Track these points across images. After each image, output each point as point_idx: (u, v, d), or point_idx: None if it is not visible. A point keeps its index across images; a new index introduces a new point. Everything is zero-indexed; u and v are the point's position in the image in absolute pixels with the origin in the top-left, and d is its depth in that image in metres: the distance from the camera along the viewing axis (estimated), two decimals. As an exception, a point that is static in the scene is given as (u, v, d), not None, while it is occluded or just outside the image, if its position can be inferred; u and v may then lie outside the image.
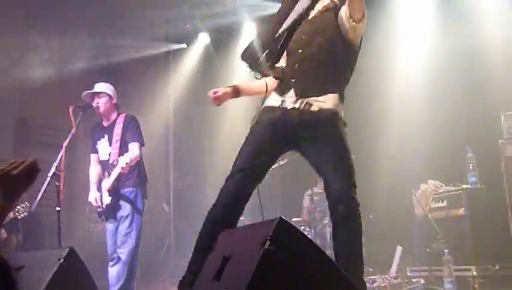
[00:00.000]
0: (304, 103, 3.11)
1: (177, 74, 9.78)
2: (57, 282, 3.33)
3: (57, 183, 4.48)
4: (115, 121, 5.06)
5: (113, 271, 4.88)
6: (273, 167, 6.49)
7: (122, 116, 5.09)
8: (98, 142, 5.12)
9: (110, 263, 4.95)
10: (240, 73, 8.77)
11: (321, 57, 3.15)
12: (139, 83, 9.90)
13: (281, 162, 6.56)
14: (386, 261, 6.23)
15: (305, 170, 7.11)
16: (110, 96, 5.07)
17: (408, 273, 5.96)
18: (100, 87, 5.09)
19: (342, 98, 3.18)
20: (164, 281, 8.22)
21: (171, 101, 9.87)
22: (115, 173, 4.71)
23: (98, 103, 5.00)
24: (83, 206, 8.62)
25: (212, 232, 2.99)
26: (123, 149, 4.90)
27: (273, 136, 3.17)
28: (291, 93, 3.17)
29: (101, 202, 4.93)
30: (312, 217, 6.73)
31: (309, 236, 6.59)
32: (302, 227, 6.69)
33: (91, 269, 7.55)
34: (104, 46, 9.08)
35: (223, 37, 9.10)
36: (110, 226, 4.98)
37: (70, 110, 4.77)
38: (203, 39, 9.44)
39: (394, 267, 6.08)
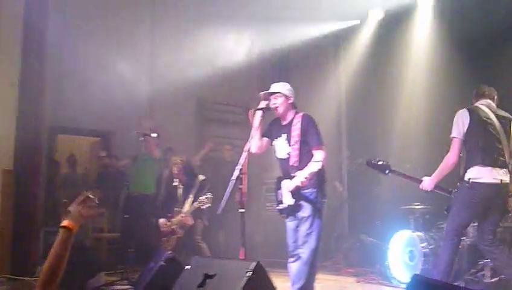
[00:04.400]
0: None
1: (349, 52, 9.58)
2: (246, 294, 3.50)
3: (240, 186, 4.64)
4: (292, 121, 5.08)
5: (294, 268, 4.99)
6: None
7: (300, 115, 5.07)
8: (276, 139, 5.18)
9: (291, 259, 5.06)
10: (415, 49, 8.35)
11: None
12: (311, 63, 9.97)
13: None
14: None
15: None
16: (286, 96, 5.09)
17: None
18: (276, 87, 5.12)
19: None
20: (337, 263, 8.31)
21: (343, 79, 9.75)
22: (298, 179, 4.75)
23: (275, 104, 5.05)
24: (259, 186, 9.06)
25: None
26: (303, 150, 4.93)
27: None
28: None
29: (282, 201, 5.05)
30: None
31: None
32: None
33: (268, 247, 7.96)
34: (274, 29, 9.21)
35: (396, 13, 8.62)
36: (290, 224, 5.07)
37: (251, 113, 4.89)
38: (376, 15, 9.05)
39: None
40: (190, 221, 6.63)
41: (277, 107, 5.05)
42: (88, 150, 10.30)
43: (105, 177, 8.66)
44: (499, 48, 6.91)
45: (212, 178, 7.94)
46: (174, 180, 6.96)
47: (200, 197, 6.43)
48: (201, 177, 6.93)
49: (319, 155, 4.84)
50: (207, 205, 6.34)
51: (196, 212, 6.64)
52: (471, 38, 7.36)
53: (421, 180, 5.41)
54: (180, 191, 6.91)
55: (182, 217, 6.65)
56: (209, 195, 6.35)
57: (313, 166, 4.72)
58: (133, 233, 7.23)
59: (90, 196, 2.57)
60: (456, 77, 7.36)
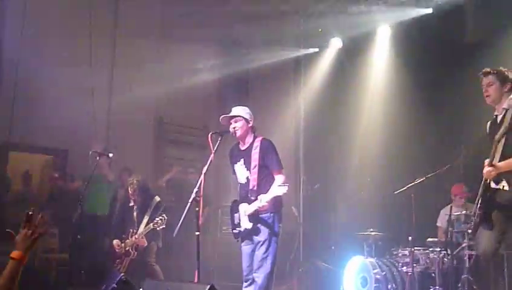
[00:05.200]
0: None
1: (309, 79, 9.76)
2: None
3: (197, 209, 4.62)
4: (252, 145, 5.12)
5: (248, 292, 5.00)
6: (408, 185, 6.31)
7: (259, 140, 5.13)
8: (235, 165, 5.21)
9: (245, 284, 5.07)
10: (373, 78, 8.56)
11: None
12: (270, 88, 10.07)
13: (417, 180, 6.30)
14: None
15: (441, 188, 6.86)
16: (246, 119, 5.14)
17: None
18: (237, 111, 5.17)
19: None
20: (292, 288, 8.31)
21: (302, 105, 9.90)
22: (259, 203, 4.78)
23: (235, 128, 5.09)
24: (216, 209, 9.02)
25: None
26: (262, 174, 4.97)
27: None
28: None
29: (239, 224, 5.05)
30: (449, 239, 6.41)
31: (445, 259, 6.29)
32: (438, 249, 6.37)
33: (223, 270, 7.90)
34: (235, 53, 9.28)
35: (356, 42, 8.86)
36: (246, 248, 5.08)
37: (209, 136, 4.89)
38: (336, 44, 9.27)
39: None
40: (144, 242, 6.52)
41: (237, 130, 5.09)
42: (40, 168, 10.02)
43: (58, 197, 8.45)
44: (452, 76, 7.16)
45: (175, 201, 7.89)
46: (130, 200, 6.85)
47: (155, 219, 6.34)
48: (157, 198, 6.85)
49: (280, 179, 4.89)
50: (162, 227, 6.25)
51: (150, 234, 6.54)
52: (426, 67, 7.62)
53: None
54: (135, 212, 6.81)
55: (135, 238, 6.54)
56: (164, 216, 6.27)
57: (277, 190, 4.74)
58: (84, 254, 7.04)
59: (34, 213, 2.43)
60: (412, 104, 7.59)
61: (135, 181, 6.76)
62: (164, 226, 6.24)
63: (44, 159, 9.81)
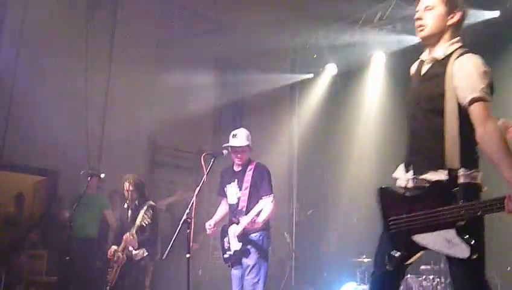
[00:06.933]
0: None
1: (303, 104, 9.79)
2: None
3: (188, 230, 4.53)
4: (246, 167, 5.10)
5: (241, 316, 4.91)
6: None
7: (253, 163, 5.14)
8: (228, 185, 5.18)
9: (236, 309, 4.98)
10: (367, 104, 8.58)
11: None
12: (265, 112, 10.07)
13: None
14: None
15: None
16: (250, 147, 5.13)
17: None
18: (241, 138, 5.07)
19: None
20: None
21: (296, 131, 9.90)
22: (244, 222, 4.77)
23: (241, 157, 5.08)
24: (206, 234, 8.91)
25: None
26: (252, 196, 4.95)
27: None
28: None
29: (229, 248, 4.99)
30: (444, 266, 6.33)
31: (439, 287, 6.22)
32: (432, 276, 6.31)
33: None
34: (230, 77, 9.31)
35: (351, 68, 8.92)
36: (236, 272, 5.02)
37: (202, 158, 4.83)
38: (331, 70, 9.33)
39: None
40: (134, 243, 6.20)
41: (244, 159, 5.10)
42: (32, 190, 9.90)
43: (48, 219, 8.33)
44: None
45: (174, 224, 7.72)
46: (125, 202, 6.59)
47: (143, 215, 6.09)
48: (150, 202, 6.61)
49: (268, 202, 4.89)
50: (147, 221, 6.03)
51: (143, 241, 6.25)
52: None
53: None
54: (129, 211, 6.54)
55: (126, 236, 6.24)
56: (150, 211, 6.05)
57: (264, 213, 4.80)
58: (73, 277, 6.87)
59: None
60: (405, 131, 7.58)
61: (131, 177, 6.50)
62: (150, 221, 6.02)
63: (36, 180, 9.71)
